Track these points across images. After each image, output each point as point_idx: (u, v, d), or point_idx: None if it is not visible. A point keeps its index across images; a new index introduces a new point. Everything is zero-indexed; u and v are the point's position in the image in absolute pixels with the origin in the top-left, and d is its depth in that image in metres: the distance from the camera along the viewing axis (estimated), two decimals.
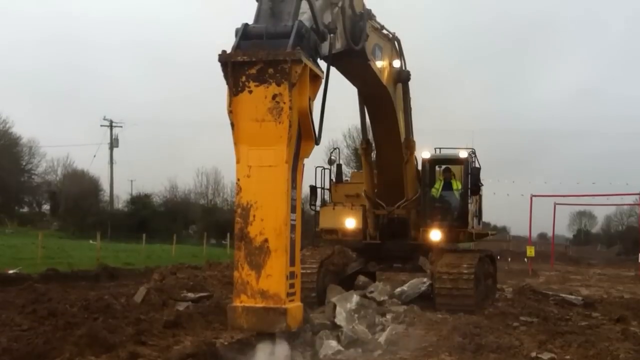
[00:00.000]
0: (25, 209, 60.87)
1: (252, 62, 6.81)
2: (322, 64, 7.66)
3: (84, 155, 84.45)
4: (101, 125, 59.00)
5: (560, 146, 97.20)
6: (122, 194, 62.19)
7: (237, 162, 6.99)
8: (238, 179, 6.98)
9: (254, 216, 6.82)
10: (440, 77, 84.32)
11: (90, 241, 34.05)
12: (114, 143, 58.87)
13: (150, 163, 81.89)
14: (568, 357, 8.91)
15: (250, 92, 6.83)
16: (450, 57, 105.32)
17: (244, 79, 6.84)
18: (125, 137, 59.92)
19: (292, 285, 6.94)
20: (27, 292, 11.90)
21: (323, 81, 7.47)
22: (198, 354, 8.01)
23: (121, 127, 59.58)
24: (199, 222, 56.12)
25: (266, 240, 6.76)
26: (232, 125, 6.94)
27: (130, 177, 63.64)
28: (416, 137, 13.64)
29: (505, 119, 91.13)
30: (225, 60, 6.86)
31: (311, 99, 7.20)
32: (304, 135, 7.17)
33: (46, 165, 60.03)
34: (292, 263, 6.98)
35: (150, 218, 52.93)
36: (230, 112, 6.92)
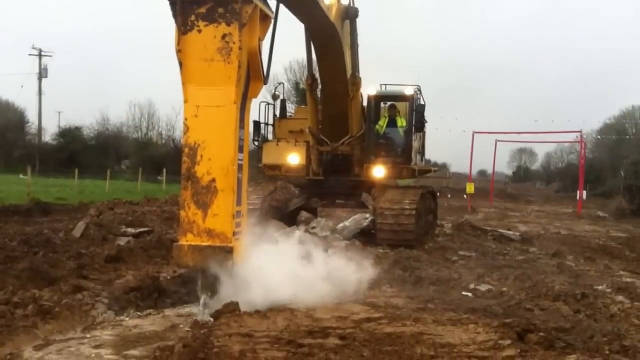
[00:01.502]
0: None
1: (202, 1, 6.77)
2: (272, 3, 7.58)
3: (10, 85, 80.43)
4: (29, 55, 56.20)
5: (504, 83, 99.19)
6: (50, 127, 60.19)
7: (185, 101, 6.97)
8: (186, 119, 6.97)
9: (202, 156, 6.87)
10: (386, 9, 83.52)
11: (21, 175, 32.85)
12: (42, 73, 56.17)
13: (79, 94, 78.93)
14: (505, 289, 9.26)
15: (200, 31, 6.82)
16: None
17: (193, 18, 6.81)
18: (54, 67, 57.35)
19: (238, 225, 7.04)
20: None
21: (272, 21, 7.43)
22: (142, 287, 7.99)
23: (51, 56, 56.96)
24: (132, 157, 54.86)
25: (214, 180, 6.83)
26: (181, 64, 6.91)
27: (57, 109, 61.27)
28: (362, 73, 13.57)
29: (450, 54, 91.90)
30: None
31: (261, 39, 7.21)
32: (253, 75, 7.18)
33: None
34: (240, 202, 7.09)
35: (81, 152, 51.49)
36: (178, 51, 6.89)
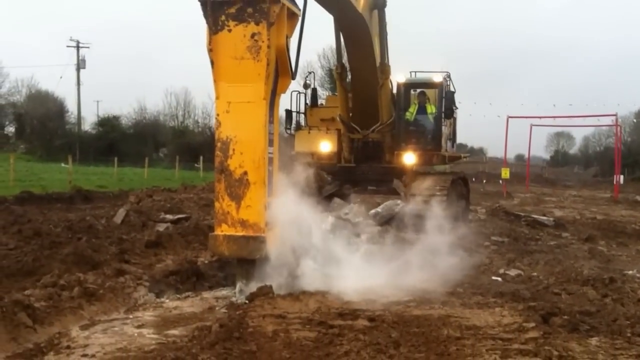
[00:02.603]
0: None
1: (232, 1, 6.98)
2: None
3: (49, 75, 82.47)
4: (67, 46, 57.47)
5: (536, 68, 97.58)
6: (88, 116, 61.44)
7: (217, 98, 7.24)
8: (217, 114, 7.24)
9: (234, 150, 7.12)
10: None
11: (62, 164, 33.77)
12: (80, 64, 57.40)
13: (116, 84, 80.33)
14: (535, 273, 9.35)
15: (230, 30, 7.03)
16: None
17: (223, 18, 7.02)
18: (92, 57, 58.58)
19: (270, 215, 7.26)
20: (5, 213, 12.00)
21: (300, 18, 7.63)
22: (180, 271, 8.36)
23: (88, 47, 58.15)
24: (169, 144, 55.78)
25: (245, 173, 7.08)
26: (212, 63, 7.16)
27: (95, 98, 62.55)
28: (393, 58, 13.65)
29: (484, 38, 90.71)
30: (204, 0, 7.01)
31: (288, 36, 7.42)
32: (281, 71, 7.41)
33: (10, 86, 58.48)
34: (270, 194, 7.35)
35: (120, 140, 52.53)
36: (210, 50, 7.14)
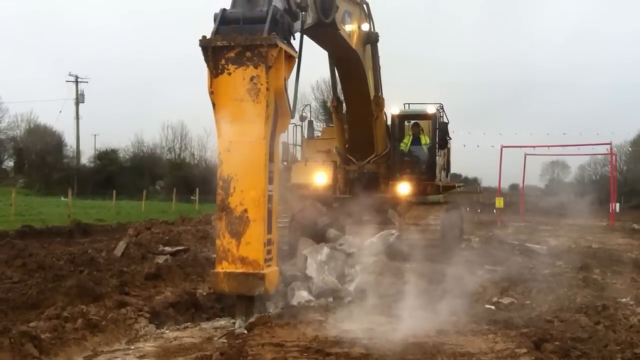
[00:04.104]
0: None
1: (231, 46, 7.18)
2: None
3: (48, 110, 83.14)
4: (67, 81, 58.04)
5: (529, 98, 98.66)
6: (86, 149, 61.62)
7: (219, 137, 7.38)
8: (219, 153, 7.38)
9: (235, 188, 7.24)
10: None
11: (62, 198, 33.95)
12: (79, 99, 57.89)
13: (114, 117, 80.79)
14: (528, 301, 9.41)
15: (230, 74, 7.21)
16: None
17: (223, 62, 7.21)
18: (90, 92, 59.11)
19: (269, 252, 7.41)
20: (7, 248, 12.17)
21: (296, 60, 7.83)
22: (179, 302, 8.48)
23: (87, 82, 58.70)
24: (166, 177, 55.98)
25: (246, 211, 7.20)
26: (213, 104, 7.32)
27: (93, 132, 62.88)
28: (389, 89, 14.02)
29: (477, 72, 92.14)
30: (205, 45, 7.24)
31: (286, 78, 7.59)
32: (280, 112, 7.55)
33: (9, 120, 58.86)
34: (270, 231, 7.44)
35: (117, 173, 52.72)
36: (211, 92, 7.30)
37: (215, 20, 7.41)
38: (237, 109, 7.22)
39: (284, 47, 7.38)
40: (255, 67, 7.15)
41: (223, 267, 7.28)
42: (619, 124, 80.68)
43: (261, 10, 7.37)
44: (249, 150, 7.23)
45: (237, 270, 7.20)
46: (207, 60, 7.25)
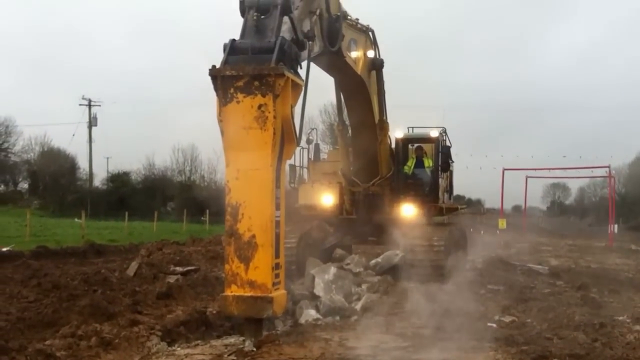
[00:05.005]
0: (1, 187, 60.63)
1: (240, 75, 7.42)
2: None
3: (61, 132, 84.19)
4: (80, 104, 58.82)
5: (532, 121, 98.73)
6: (98, 172, 62.02)
7: (227, 165, 7.62)
8: (227, 181, 7.61)
9: (243, 214, 7.45)
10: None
11: (76, 219, 34.40)
12: (92, 122, 58.57)
13: (126, 140, 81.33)
14: (528, 320, 9.63)
15: (238, 102, 7.44)
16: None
17: (232, 90, 7.44)
18: (103, 115, 59.85)
19: (277, 275, 7.61)
20: (23, 268, 12.54)
21: (302, 88, 8.10)
22: (190, 321, 8.76)
23: (99, 105, 59.45)
24: (177, 198, 56.44)
25: (254, 236, 7.40)
26: (222, 132, 7.58)
27: (106, 154, 63.45)
28: (394, 111, 14.38)
29: (479, 94, 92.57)
30: (215, 74, 7.51)
31: (293, 106, 7.84)
32: (287, 139, 7.78)
33: (24, 143, 59.69)
34: (277, 255, 7.64)
35: (129, 195, 53.20)
36: (220, 120, 7.56)
37: (224, 50, 7.67)
38: (245, 137, 7.41)
39: (291, 76, 7.64)
40: (263, 96, 7.35)
41: (232, 291, 7.45)
42: (618, 146, 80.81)
43: (269, 41, 7.64)
44: (256, 177, 7.43)
45: (246, 294, 7.36)
46: (216, 88, 7.50)
